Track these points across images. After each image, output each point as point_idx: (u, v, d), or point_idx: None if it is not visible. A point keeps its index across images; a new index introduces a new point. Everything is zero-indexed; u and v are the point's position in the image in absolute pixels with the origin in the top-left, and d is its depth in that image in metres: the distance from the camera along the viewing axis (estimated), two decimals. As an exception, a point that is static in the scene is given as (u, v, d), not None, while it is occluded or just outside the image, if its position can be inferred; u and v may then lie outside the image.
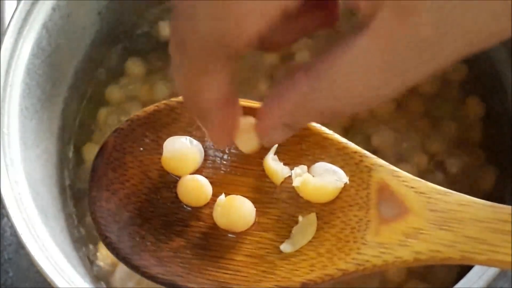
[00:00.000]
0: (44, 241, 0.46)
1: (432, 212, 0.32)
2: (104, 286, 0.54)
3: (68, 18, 0.54)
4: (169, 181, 0.35)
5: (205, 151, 0.36)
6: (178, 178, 0.35)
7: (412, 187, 0.32)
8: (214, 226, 0.34)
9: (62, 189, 0.56)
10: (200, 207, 0.35)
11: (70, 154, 0.58)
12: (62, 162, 0.57)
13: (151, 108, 0.36)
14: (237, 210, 0.34)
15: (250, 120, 0.32)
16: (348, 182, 0.34)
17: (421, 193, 0.32)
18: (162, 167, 0.35)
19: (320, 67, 0.27)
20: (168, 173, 0.35)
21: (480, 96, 0.58)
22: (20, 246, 0.59)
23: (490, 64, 0.58)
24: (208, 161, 0.36)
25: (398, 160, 0.57)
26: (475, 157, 0.57)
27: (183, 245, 0.34)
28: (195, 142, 0.35)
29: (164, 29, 0.61)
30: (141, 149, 0.36)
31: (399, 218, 0.32)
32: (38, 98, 0.52)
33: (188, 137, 0.35)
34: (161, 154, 0.35)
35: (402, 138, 0.58)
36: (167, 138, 0.35)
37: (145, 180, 0.35)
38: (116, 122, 0.58)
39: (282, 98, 0.29)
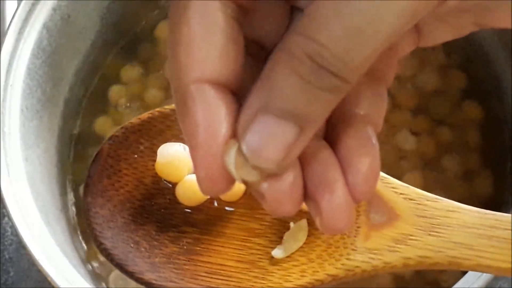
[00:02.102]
0: (45, 241, 0.46)
1: (420, 218, 0.32)
2: (105, 286, 0.55)
3: (68, 18, 0.54)
4: (163, 187, 0.35)
5: None
6: (170, 185, 0.35)
7: (401, 194, 0.33)
8: (207, 232, 0.35)
9: (62, 189, 0.56)
10: (193, 213, 0.35)
11: (71, 154, 0.58)
12: (62, 162, 0.57)
13: (145, 115, 0.36)
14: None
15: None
16: None
17: (410, 199, 0.33)
18: (156, 173, 0.35)
19: None
20: (162, 179, 0.36)
21: (479, 99, 0.59)
22: (20, 245, 0.59)
23: (489, 66, 0.58)
24: None
25: (394, 162, 0.57)
26: (473, 161, 0.57)
27: (176, 251, 0.34)
28: (188, 148, 0.36)
29: (165, 30, 0.61)
30: (135, 156, 0.36)
31: (388, 224, 0.32)
32: (38, 98, 0.52)
33: (181, 144, 0.35)
34: (155, 160, 0.35)
35: (400, 141, 0.58)
36: (161, 145, 0.35)
37: (139, 187, 0.35)
38: (115, 124, 0.59)
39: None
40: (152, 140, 0.36)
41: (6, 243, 0.59)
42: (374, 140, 0.29)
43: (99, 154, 0.35)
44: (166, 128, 0.36)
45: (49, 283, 0.45)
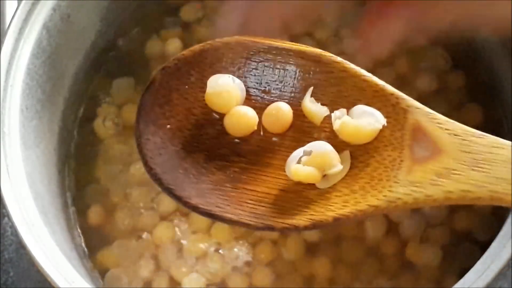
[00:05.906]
0: (45, 241, 0.46)
1: (465, 154, 0.33)
2: (104, 285, 0.55)
3: (68, 18, 0.54)
4: (212, 118, 0.37)
5: (246, 90, 0.37)
6: (218, 116, 0.37)
7: (446, 129, 0.34)
8: (254, 162, 0.36)
9: (62, 189, 0.56)
10: (241, 143, 0.36)
11: (71, 154, 0.58)
12: (62, 162, 0.57)
13: (196, 47, 0.38)
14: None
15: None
16: (386, 124, 0.35)
17: (455, 135, 0.34)
18: (206, 104, 0.37)
19: None
20: (211, 110, 0.37)
21: (478, 100, 0.58)
22: (20, 246, 0.59)
23: (489, 67, 0.58)
24: (249, 100, 0.37)
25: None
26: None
27: (223, 179, 0.35)
28: (237, 80, 0.37)
29: (167, 30, 0.61)
30: (186, 87, 0.37)
31: (431, 159, 0.33)
32: (38, 98, 0.52)
33: (230, 76, 0.37)
34: (205, 91, 0.37)
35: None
36: (211, 76, 0.37)
37: (189, 117, 0.37)
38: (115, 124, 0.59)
39: None
40: (203, 72, 0.37)
41: (6, 243, 0.59)
42: None
43: (151, 84, 0.37)
44: (216, 60, 0.38)
45: (49, 283, 0.45)
